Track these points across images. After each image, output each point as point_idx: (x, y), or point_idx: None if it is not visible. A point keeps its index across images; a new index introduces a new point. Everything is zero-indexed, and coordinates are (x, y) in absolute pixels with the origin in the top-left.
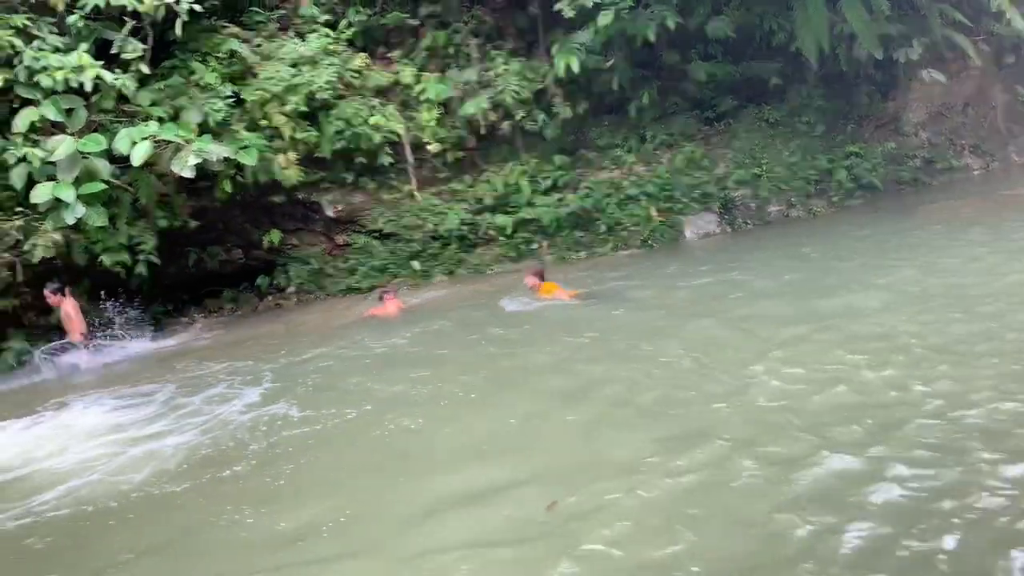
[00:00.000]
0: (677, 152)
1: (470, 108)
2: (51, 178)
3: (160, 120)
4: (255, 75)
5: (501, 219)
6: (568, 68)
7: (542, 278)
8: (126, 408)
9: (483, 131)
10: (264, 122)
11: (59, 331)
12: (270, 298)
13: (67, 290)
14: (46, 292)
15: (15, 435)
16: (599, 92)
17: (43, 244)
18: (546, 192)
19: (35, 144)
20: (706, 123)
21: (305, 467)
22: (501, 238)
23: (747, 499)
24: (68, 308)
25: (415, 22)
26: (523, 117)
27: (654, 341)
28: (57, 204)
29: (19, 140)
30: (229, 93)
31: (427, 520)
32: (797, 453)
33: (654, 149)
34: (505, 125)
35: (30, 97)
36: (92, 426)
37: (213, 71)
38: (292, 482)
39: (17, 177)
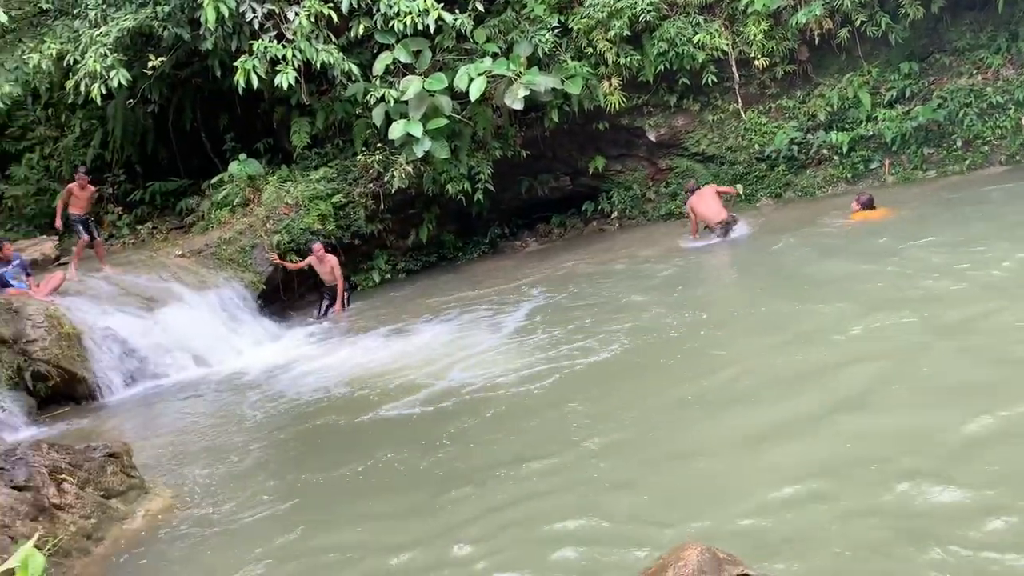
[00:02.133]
0: None
1: (803, 16)
2: (403, 116)
3: (494, 56)
4: (581, 3)
5: (836, 136)
6: None
7: (870, 206)
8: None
9: (817, 41)
10: (589, 49)
11: (412, 251)
12: (595, 223)
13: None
14: (316, 247)
15: (391, 342)
16: None
17: (399, 175)
18: (890, 104)
19: (390, 85)
20: None
21: None
22: (835, 157)
23: None
24: (335, 263)
25: None
26: (864, 22)
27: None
28: (409, 139)
29: (378, 82)
30: (556, 24)
31: None
32: None
33: None
34: (842, 32)
35: (385, 42)
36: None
37: (542, 3)
38: None
39: (377, 116)
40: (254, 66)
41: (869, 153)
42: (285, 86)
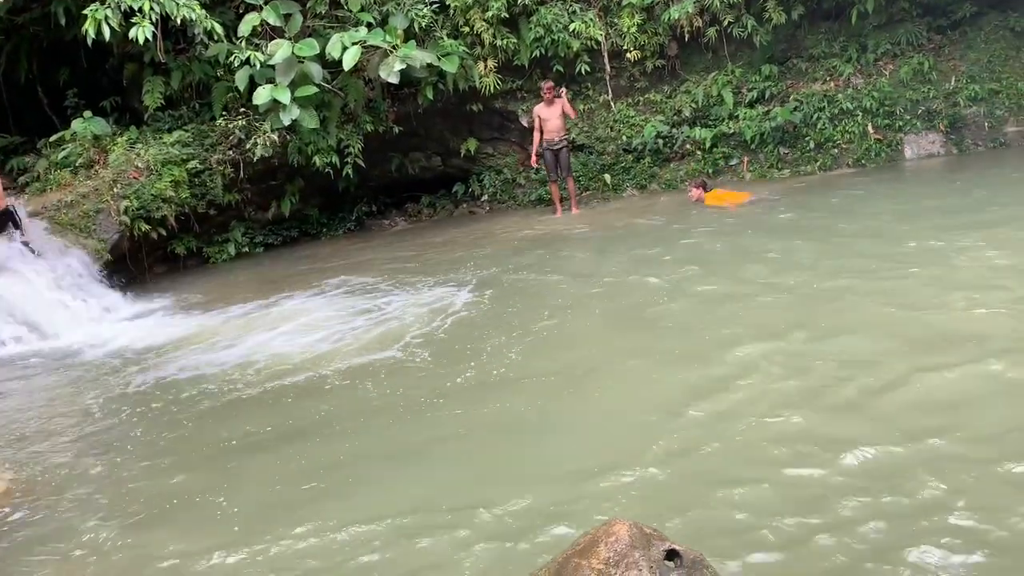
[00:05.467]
0: (902, 63)
1: (675, 12)
2: (270, 81)
3: (369, 26)
4: None
5: (700, 132)
6: None
7: (705, 188)
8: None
9: (687, 38)
10: (465, 28)
11: (272, 224)
12: (465, 205)
13: None
14: None
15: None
16: None
17: (262, 143)
18: (750, 104)
19: (256, 48)
20: (938, 31)
21: None
22: (698, 152)
23: None
24: None
25: None
26: (731, 23)
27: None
28: (275, 106)
29: (243, 44)
30: None
31: None
32: None
33: (875, 60)
34: (711, 31)
35: (252, 2)
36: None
37: None
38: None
39: (240, 79)
40: (106, 16)
41: (730, 150)
42: (141, 40)
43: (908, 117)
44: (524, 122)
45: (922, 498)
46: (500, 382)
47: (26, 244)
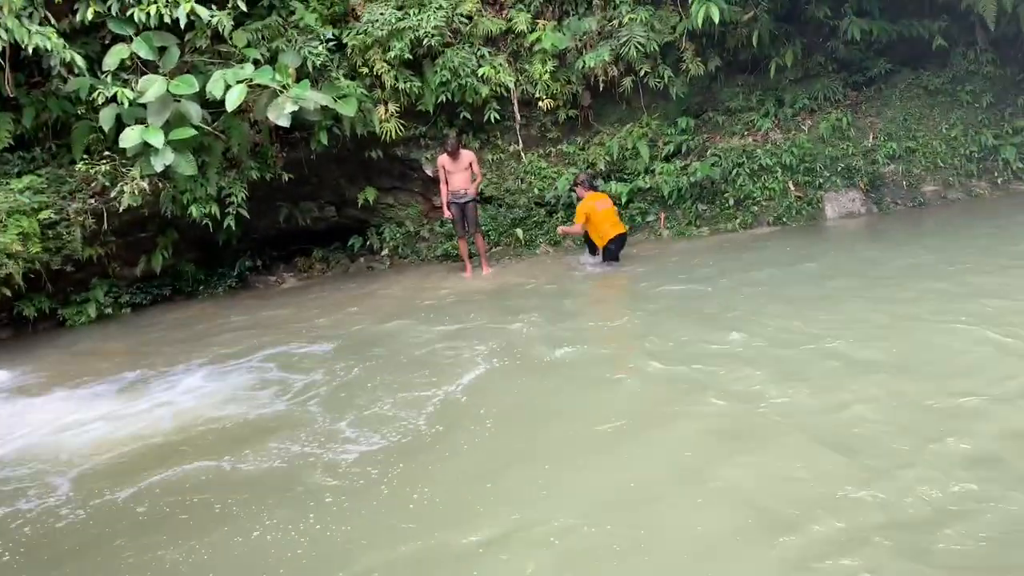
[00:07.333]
0: (821, 119)
1: (590, 60)
2: (140, 121)
3: (256, 63)
4: (357, 17)
5: (615, 187)
6: (707, 19)
7: (594, 189)
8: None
9: (601, 87)
10: (364, 69)
11: (141, 282)
12: (362, 260)
13: None
14: None
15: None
16: (733, 48)
17: (130, 191)
18: (667, 158)
19: (125, 84)
20: (854, 88)
21: None
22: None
23: None
24: None
25: None
26: (647, 73)
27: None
28: (146, 149)
29: (109, 79)
30: (330, 36)
31: None
32: None
33: (794, 115)
34: (626, 81)
35: (121, 33)
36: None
37: (313, 11)
38: None
39: (106, 119)
40: None
41: (647, 205)
42: None
43: (828, 174)
44: (428, 171)
45: None
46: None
47: None
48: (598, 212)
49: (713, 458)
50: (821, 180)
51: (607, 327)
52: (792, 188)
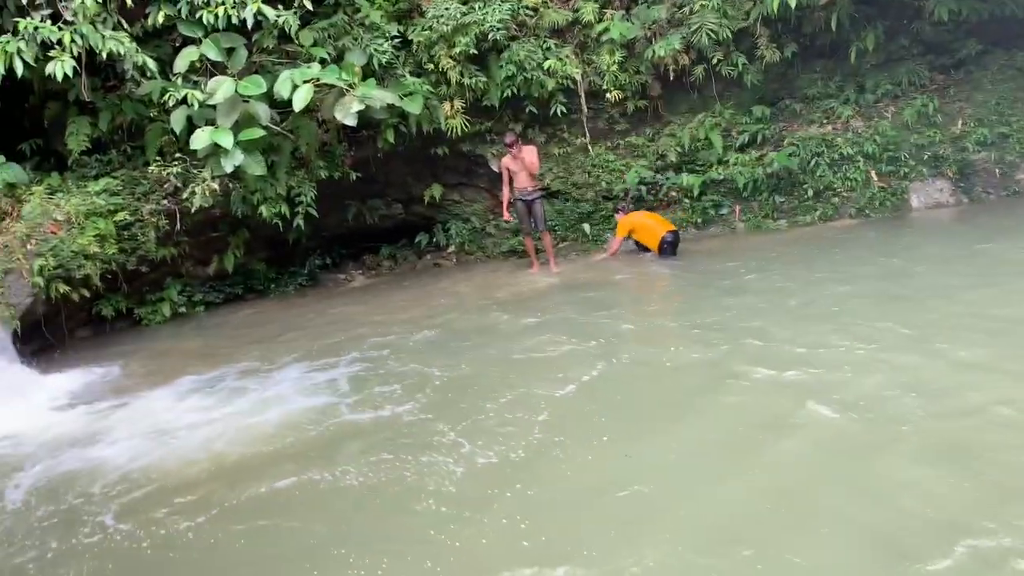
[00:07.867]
0: (904, 105)
1: (660, 49)
2: (210, 122)
3: (322, 62)
4: (422, 13)
5: (687, 179)
6: (783, 3)
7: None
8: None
9: (671, 77)
10: (429, 65)
11: (213, 281)
12: (428, 257)
13: None
14: None
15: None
16: (810, 33)
17: (201, 192)
18: (742, 149)
19: (195, 86)
20: (941, 71)
21: None
22: (686, 200)
23: None
24: None
25: None
26: (719, 61)
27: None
28: (216, 150)
29: (179, 81)
30: (395, 33)
31: None
32: None
33: (876, 101)
34: (697, 70)
35: (191, 35)
36: None
37: (378, 8)
38: None
39: (177, 121)
40: (19, 49)
41: (720, 197)
42: (60, 77)
43: (913, 163)
44: (494, 167)
45: None
46: None
47: None
48: (640, 218)
49: (828, 477)
50: (906, 169)
51: (695, 324)
52: (875, 178)
